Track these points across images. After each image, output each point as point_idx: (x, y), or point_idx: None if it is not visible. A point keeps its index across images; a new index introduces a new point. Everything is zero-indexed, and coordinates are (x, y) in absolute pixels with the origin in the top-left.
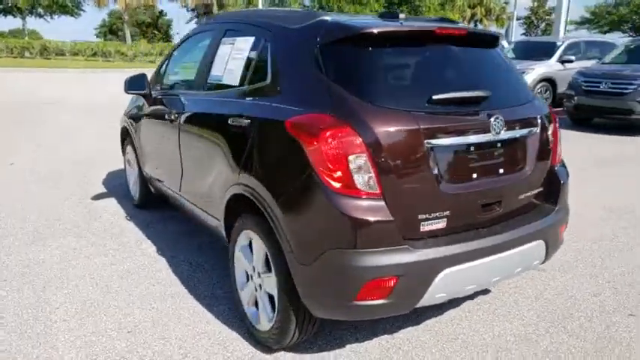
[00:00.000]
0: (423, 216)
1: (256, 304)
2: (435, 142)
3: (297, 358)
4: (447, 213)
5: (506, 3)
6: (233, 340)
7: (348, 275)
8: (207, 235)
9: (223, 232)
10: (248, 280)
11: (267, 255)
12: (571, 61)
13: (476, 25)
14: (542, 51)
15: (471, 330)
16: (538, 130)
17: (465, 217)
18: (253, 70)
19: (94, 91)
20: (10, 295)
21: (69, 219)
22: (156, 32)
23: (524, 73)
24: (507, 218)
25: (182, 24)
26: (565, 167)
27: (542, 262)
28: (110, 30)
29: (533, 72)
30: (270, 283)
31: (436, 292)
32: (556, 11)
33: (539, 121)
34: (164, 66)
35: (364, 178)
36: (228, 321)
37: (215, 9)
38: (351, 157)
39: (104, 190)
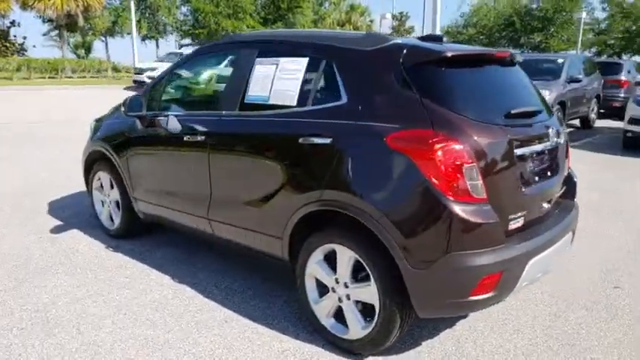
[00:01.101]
0: (512, 216)
1: (335, 315)
2: (518, 150)
3: None
4: (524, 212)
5: (372, 21)
6: (318, 354)
7: (466, 275)
8: (213, 257)
9: (285, 250)
10: (325, 293)
11: (355, 266)
12: None
13: None
14: None
15: (513, 316)
16: (564, 139)
17: (532, 214)
18: (318, 90)
19: None
20: (45, 342)
21: (44, 257)
22: (8, 45)
23: None
24: (552, 214)
25: (37, 36)
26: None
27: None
28: None
29: None
30: (366, 291)
31: (524, 280)
32: (432, 32)
33: (562, 130)
34: (161, 87)
35: (475, 185)
36: (299, 337)
37: (80, 21)
38: (464, 167)
39: (60, 222)
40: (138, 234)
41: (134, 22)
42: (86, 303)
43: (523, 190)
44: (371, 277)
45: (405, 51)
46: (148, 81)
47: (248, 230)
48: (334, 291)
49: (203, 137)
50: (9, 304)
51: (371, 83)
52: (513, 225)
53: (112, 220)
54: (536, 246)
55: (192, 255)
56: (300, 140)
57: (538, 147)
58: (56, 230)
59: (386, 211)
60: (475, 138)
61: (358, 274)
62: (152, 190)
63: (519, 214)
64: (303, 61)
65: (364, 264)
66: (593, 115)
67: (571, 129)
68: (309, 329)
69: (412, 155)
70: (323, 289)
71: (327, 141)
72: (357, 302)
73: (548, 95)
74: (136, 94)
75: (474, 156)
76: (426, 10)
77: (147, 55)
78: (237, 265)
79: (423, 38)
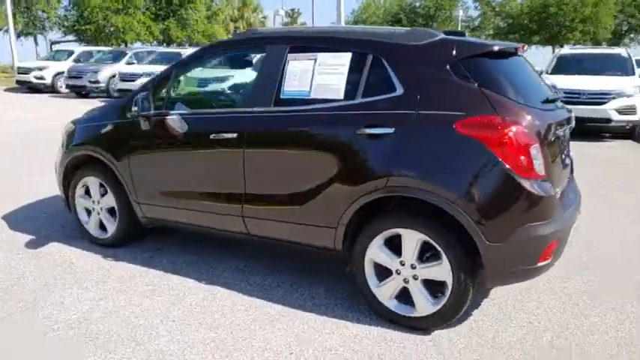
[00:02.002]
0: (557, 189)
1: (397, 296)
2: (558, 132)
3: (452, 332)
4: (561, 186)
5: (264, 17)
6: (389, 334)
7: (536, 243)
8: (226, 257)
9: (339, 239)
10: (385, 276)
11: (422, 247)
12: None
13: None
14: None
15: (530, 282)
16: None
17: (562, 188)
18: (366, 83)
19: None
20: (106, 357)
21: (38, 274)
22: None
23: None
24: (569, 187)
25: None
26: None
27: None
28: None
29: None
30: (437, 270)
31: (566, 246)
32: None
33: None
34: (170, 85)
35: (539, 164)
36: (361, 320)
37: None
38: (531, 147)
39: (32, 236)
40: (133, 241)
41: (10, 17)
42: (123, 314)
43: (561, 166)
44: (443, 255)
45: (456, 45)
46: (36, 81)
47: (293, 224)
48: (398, 273)
49: (235, 135)
50: (35, 325)
51: (427, 75)
52: (557, 197)
53: (102, 228)
54: (572, 215)
55: (204, 257)
56: (358, 131)
57: (562, 130)
58: (33, 245)
59: (462, 193)
60: (532, 121)
61: (423, 254)
62: (164, 193)
63: (559, 188)
64: (346, 56)
65: (435, 244)
66: None
67: None
68: (367, 312)
69: (483, 139)
70: (382, 273)
71: (390, 130)
72: (424, 281)
73: None
74: (145, 93)
75: (536, 137)
76: (321, 7)
77: (25, 54)
78: (256, 262)
79: (448, 33)
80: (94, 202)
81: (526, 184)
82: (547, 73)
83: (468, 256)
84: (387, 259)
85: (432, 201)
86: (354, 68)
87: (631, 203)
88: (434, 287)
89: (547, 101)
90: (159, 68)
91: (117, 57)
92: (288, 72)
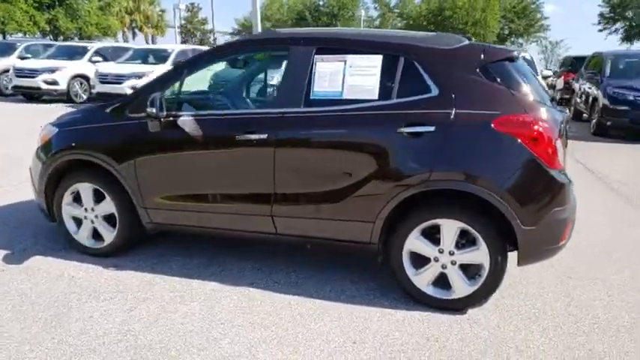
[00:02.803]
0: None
1: (434, 282)
2: (566, 127)
3: (483, 311)
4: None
5: (163, 11)
6: (431, 315)
7: (560, 225)
8: (236, 257)
9: (376, 233)
10: (421, 264)
11: (459, 235)
12: None
13: (135, 33)
14: None
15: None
16: None
17: None
18: (400, 84)
19: None
20: None
21: (39, 290)
22: None
23: None
24: None
25: None
26: None
27: None
28: None
29: None
30: (474, 254)
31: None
32: (254, 29)
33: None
34: (178, 85)
35: (561, 156)
36: (400, 307)
37: None
38: (555, 142)
39: (7, 251)
40: (131, 249)
41: None
42: (165, 322)
43: (565, 157)
44: (481, 241)
45: (484, 49)
46: None
47: (330, 220)
48: (436, 260)
49: (264, 135)
50: (74, 341)
51: (460, 77)
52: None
53: (95, 237)
54: (575, 201)
55: (214, 260)
56: (398, 130)
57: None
58: (14, 260)
59: (501, 183)
60: (552, 118)
61: (459, 241)
62: (177, 197)
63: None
64: (377, 58)
65: (474, 231)
66: None
67: None
68: (401, 299)
69: (518, 135)
70: (417, 261)
71: (431, 128)
72: (461, 266)
73: None
74: (158, 93)
75: (557, 133)
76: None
77: None
78: (271, 260)
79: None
80: (86, 209)
81: (553, 173)
82: None
83: (501, 239)
84: (426, 248)
85: (473, 192)
86: (387, 70)
87: None
88: (467, 270)
89: (552, 101)
90: (62, 63)
91: (4, 50)
92: (316, 73)
